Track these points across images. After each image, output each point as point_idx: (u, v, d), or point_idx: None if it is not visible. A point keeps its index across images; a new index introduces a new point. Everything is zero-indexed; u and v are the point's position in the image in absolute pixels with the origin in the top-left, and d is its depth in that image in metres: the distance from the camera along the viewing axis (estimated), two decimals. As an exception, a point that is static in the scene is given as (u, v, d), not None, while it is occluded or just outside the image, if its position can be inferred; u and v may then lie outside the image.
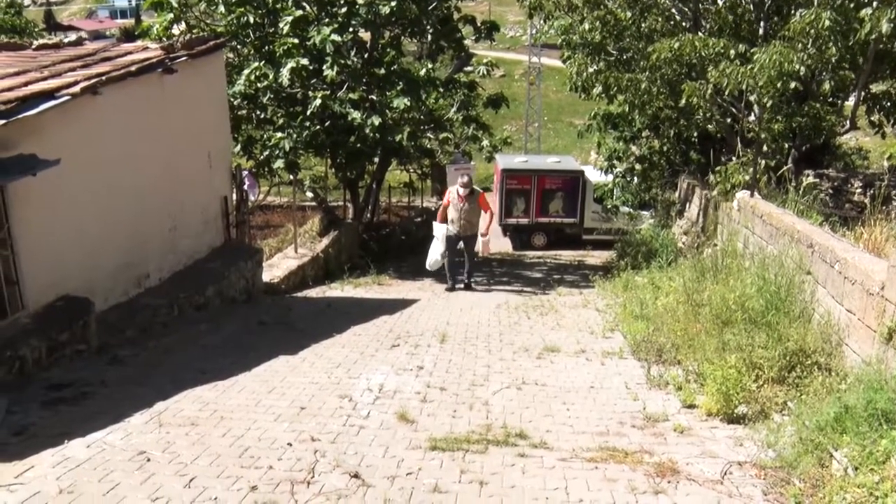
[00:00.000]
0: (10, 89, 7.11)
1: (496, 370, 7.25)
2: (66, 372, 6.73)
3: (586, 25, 13.71)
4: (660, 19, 13.29)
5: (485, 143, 17.57)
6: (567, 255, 22.02)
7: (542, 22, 17.36)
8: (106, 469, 4.63)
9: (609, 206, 19.85)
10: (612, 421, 5.83)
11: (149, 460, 4.78)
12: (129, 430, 5.30)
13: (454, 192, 12.49)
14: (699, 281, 8.74)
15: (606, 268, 15.57)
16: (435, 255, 12.60)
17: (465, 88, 17.15)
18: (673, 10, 13.75)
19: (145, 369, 7.00)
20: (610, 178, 18.96)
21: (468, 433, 5.43)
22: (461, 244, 12.61)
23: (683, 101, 11.92)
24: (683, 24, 13.62)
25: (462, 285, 12.87)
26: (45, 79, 7.63)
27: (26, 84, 7.35)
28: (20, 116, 6.48)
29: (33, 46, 9.89)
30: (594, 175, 22.30)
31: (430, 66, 15.91)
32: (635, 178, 18.23)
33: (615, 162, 18.47)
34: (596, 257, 20.44)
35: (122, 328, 7.99)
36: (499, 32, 19.36)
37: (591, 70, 14.04)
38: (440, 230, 12.55)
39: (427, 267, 12.83)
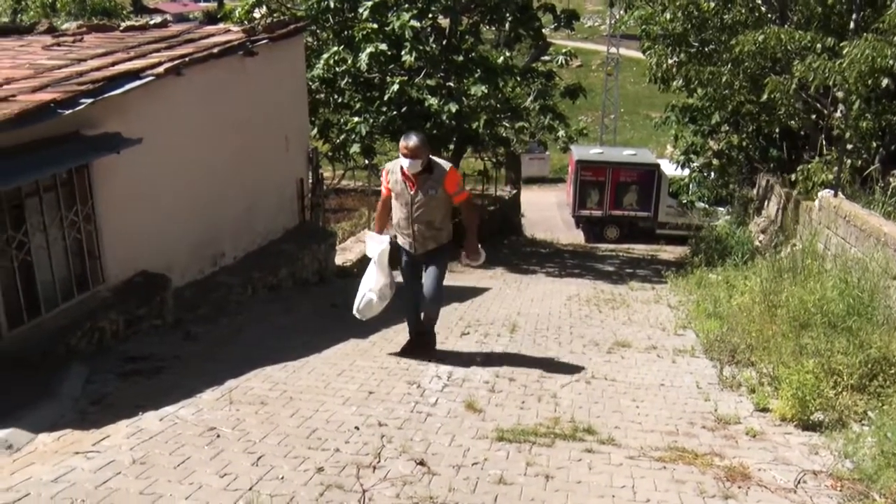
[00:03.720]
0: (98, 69, 7.29)
1: (565, 363, 7.18)
2: (142, 345, 6.90)
3: (667, 15, 13.49)
4: (744, 10, 12.95)
5: (560, 133, 17.42)
6: (640, 249, 21.78)
7: (622, 11, 17.16)
8: (177, 443, 4.72)
9: (684, 201, 19.56)
10: (682, 421, 5.71)
11: (219, 436, 4.85)
12: (201, 405, 5.39)
13: (396, 170, 6.52)
14: (776, 281, 8.50)
15: (680, 263, 15.34)
16: (368, 291, 6.67)
17: (542, 78, 17.02)
18: (758, 1, 13.39)
19: (218, 346, 7.14)
20: (686, 172, 18.67)
21: (535, 425, 5.37)
22: (420, 267, 6.80)
23: (766, 95, 11.63)
24: (769, 15, 13.26)
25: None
26: (130, 59, 7.80)
27: (113, 64, 7.52)
28: (106, 96, 6.64)
29: (121, 28, 10.13)
30: (670, 169, 22.02)
31: (507, 54, 15.83)
32: (712, 174, 17.94)
33: (692, 156, 18.19)
34: (669, 252, 20.16)
35: (197, 305, 8.15)
36: (578, 21, 19.16)
37: (670, 62, 13.83)
38: (376, 245, 6.73)
39: (355, 312, 6.77)
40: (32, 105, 5.97)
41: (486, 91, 13.97)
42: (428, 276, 6.70)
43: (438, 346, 7.19)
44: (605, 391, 6.37)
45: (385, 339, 7.60)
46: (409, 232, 6.60)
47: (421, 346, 6.99)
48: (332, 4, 14.75)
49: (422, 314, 6.92)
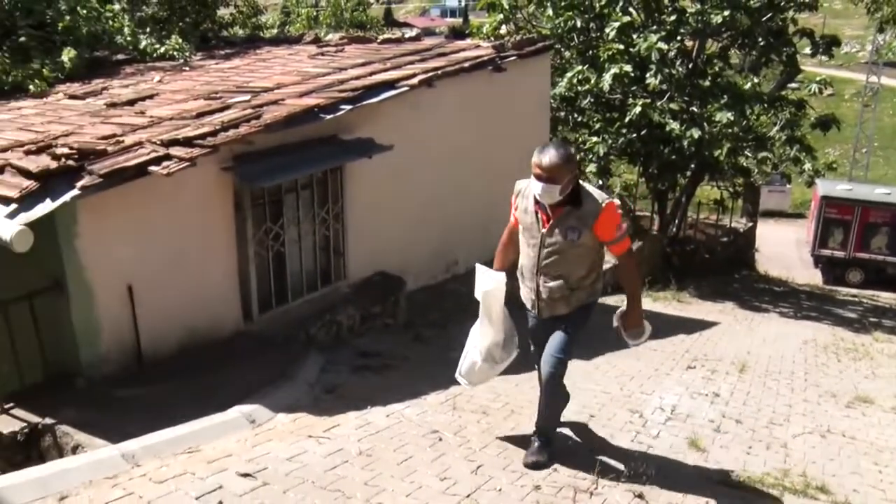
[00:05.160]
0: (356, 78, 7.74)
1: (798, 412, 6.75)
2: (374, 342, 7.23)
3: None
4: None
5: (807, 166, 16.38)
6: (886, 298, 20.04)
7: (888, 36, 15.94)
8: (401, 441, 4.89)
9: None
10: (935, 495, 5.19)
11: (440, 440, 4.98)
12: (425, 407, 5.57)
13: (528, 194, 4.54)
14: None
15: (935, 318, 14.01)
16: (472, 348, 5.15)
17: (792, 106, 16.12)
18: None
19: (445, 351, 7.26)
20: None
21: (763, 474, 5.08)
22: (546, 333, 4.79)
23: None
24: None
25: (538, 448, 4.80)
26: (386, 70, 8.21)
27: (371, 74, 7.96)
28: (364, 103, 7.04)
29: (378, 40, 10.69)
30: (930, 213, 20.21)
31: (755, 80, 15.14)
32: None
33: (959, 200, 16.58)
34: (922, 304, 18.49)
35: (428, 309, 8.42)
36: (839, 48, 17.96)
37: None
38: (484, 283, 4.85)
39: (457, 376, 5.19)
40: (299, 109, 6.46)
41: (731, 118, 13.40)
42: (550, 341, 4.68)
43: (665, 373, 6.96)
44: (842, 448, 5.93)
45: (608, 362, 7.50)
46: (533, 286, 4.66)
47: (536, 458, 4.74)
48: (578, 24, 14.74)
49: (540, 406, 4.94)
